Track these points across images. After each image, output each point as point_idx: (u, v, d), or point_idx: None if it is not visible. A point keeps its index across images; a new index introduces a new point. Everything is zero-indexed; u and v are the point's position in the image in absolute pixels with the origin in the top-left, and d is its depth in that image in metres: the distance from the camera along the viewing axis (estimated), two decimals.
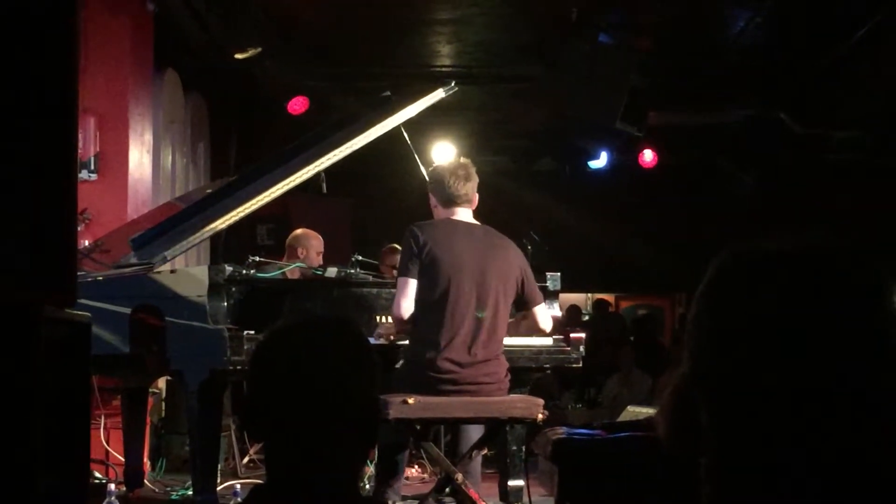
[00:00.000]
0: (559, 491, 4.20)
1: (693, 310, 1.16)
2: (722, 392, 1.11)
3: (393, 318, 5.21)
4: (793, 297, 1.09)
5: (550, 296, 5.89)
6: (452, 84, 6.38)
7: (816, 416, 1.07)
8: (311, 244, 7.59)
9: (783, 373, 1.07)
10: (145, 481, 6.57)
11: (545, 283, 5.87)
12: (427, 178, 5.46)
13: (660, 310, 16.40)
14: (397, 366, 5.16)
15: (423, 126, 8.80)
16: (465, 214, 5.28)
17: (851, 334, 1.08)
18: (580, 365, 5.75)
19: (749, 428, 1.09)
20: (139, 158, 7.89)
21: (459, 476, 5.02)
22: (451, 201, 5.25)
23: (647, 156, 12.03)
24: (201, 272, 5.23)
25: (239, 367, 4.99)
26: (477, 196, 5.33)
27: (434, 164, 5.59)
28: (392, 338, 5.28)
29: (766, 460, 1.08)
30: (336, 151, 5.80)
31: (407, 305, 5.06)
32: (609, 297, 16.07)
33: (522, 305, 5.28)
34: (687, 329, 1.17)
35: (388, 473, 5.24)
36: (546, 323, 5.35)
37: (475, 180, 5.30)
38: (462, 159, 5.43)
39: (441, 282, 5.03)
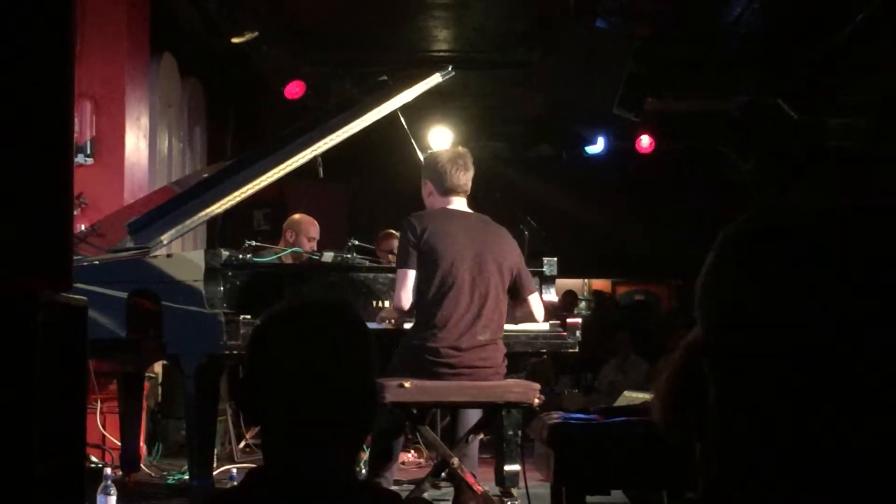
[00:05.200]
0: (555, 475, 4.20)
1: (709, 273, 1.11)
2: (735, 362, 1.08)
3: (395, 310, 5.22)
4: (827, 262, 1.04)
5: (547, 281, 5.89)
6: (450, 69, 6.36)
7: (836, 394, 1.03)
8: (301, 228, 7.56)
9: (810, 344, 1.03)
10: (142, 465, 6.58)
11: (542, 268, 5.87)
12: (424, 165, 5.42)
13: (656, 296, 16.40)
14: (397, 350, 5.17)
15: (419, 111, 8.79)
16: (460, 204, 5.31)
17: (887, 301, 1.03)
18: (576, 350, 5.75)
19: (762, 405, 1.05)
20: (135, 143, 7.88)
21: (455, 460, 5.02)
22: (450, 191, 5.28)
23: (645, 142, 12.02)
24: (198, 257, 5.23)
25: (235, 352, 4.99)
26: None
27: (431, 152, 5.55)
28: (394, 321, 5.30)
29: (775, 442, 1.05)
30: (333, 136, 5.80)
31: (407, 296, 5.08)
32: (605, 284, 16.10)
33: (516, 294, 5.28)
34: (700, 295, 1.12)
35: (382, 459, 5.24)
36: (539, 313, 5.38)
37: (472, 171, 5.34)
38: (460, 149, 5.43)
39: (439, 270, 5.05)
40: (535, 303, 5.37)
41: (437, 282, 5.05)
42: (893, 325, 1.03)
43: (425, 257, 5.08)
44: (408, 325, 5.22)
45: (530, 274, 5.40)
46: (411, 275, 5.08)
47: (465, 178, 5.30)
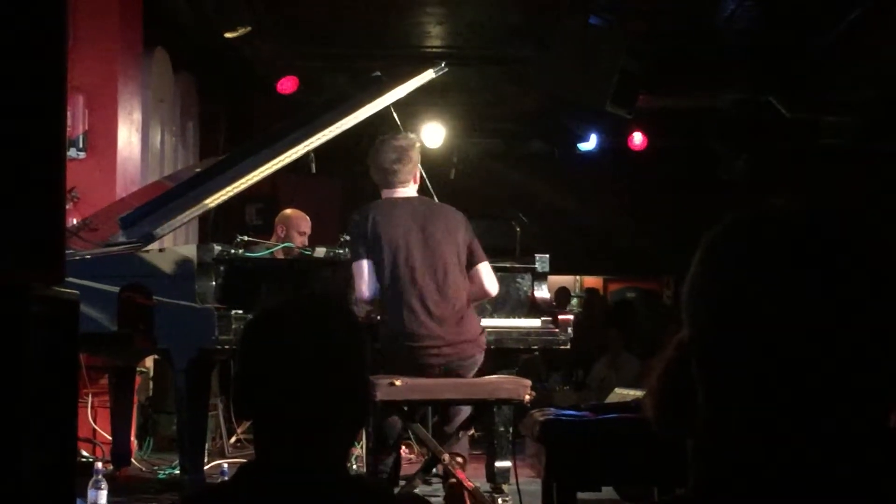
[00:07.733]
0: (547, 472, 4.21)
1: (695, 272, 1.11)
2: (722, 362, 1.08)
3: (359, 302, 5.21)
4: (809, 260, 1.04)
5: (539, 277, 5.89)
6: (443, 65, 6.36)
7: (820, 391, 1.03)
8: (291, 223, 7.56)
9: (794, 342, 1.03)
10: (132, 460, 6.57)
11: (534, 264, 5.87)
12: (369, 159, 5.41)
13: (647, 293, 16.41)
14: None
15: (412, 107, 8.79)
16: (405, 192, 5.30)
17: (873, 302, 1.03)
18: (568, 346, 5.76)
19: (749, 403, 1.06)
20: (128, 137, 7.86)
21: (447, 456, 5.03)
22: (393, 185, 5.29)
23: (637, 139, 12.02)
24: (190, 251, 5.23)
25: (227, 347, 4.99)
26: (417, 174, 5.37)
27: (375, 147, 5.45)
28: (362, 317, 5.29)
29: (763, 439, 1.06)
30: (326, 131, 5.79)
31: (368, 286, 5.10)
32: (597, 281, 16.11)
33: (468, 264, 5.26)
34: (686, 293, 1.12)
35: (382, 449, 5.23)
36: (490, 283, 5.31)
37: (414, 162, 5.31)
38: (403, 142, 5.38)
39: (391, 257, 5.06)
40: (486, 271, 5.30)
41: (390, 275, 5.06)
42: (883, 323, 1.03)
43: (375, 247, 5.08)
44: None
45: (479, 245, 5.33)
46: (366, 264, 5.10)
47: (405, 172, 5.28)
